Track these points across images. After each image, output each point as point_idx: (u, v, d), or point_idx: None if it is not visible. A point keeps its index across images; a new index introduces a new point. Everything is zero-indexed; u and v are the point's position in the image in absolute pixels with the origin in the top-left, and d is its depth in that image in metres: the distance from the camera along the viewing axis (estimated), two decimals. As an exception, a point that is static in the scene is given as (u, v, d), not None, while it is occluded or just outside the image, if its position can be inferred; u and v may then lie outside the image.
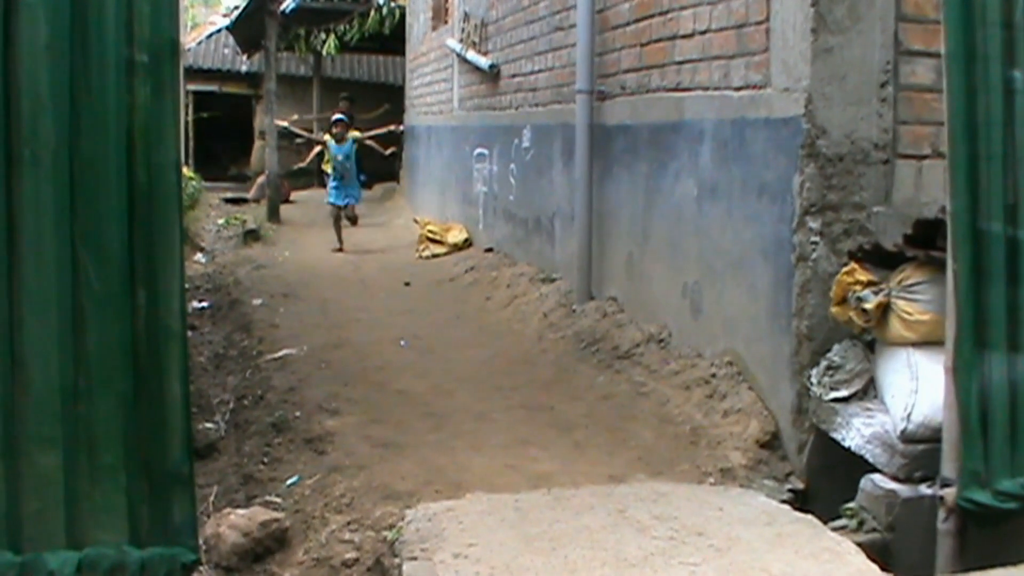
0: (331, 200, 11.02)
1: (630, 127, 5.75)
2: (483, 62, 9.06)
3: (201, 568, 3.13)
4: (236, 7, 17.57)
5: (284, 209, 13.64)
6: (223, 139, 22.25)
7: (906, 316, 3.71)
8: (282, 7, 13.97)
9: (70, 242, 2.63)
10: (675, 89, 5.14)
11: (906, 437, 3.54)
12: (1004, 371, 3.25)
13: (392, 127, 15.00)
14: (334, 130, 11.24)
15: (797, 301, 4.02)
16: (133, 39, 2.66)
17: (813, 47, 3.91)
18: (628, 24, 5.76)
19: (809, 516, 3.45)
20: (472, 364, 5.66)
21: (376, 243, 11.18)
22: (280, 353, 5.73)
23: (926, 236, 3.73)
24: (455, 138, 10.66)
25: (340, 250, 10.67)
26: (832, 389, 3.87)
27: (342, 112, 12.66)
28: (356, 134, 11.79)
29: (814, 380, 3.94)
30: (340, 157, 11.01)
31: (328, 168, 11.81)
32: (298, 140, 15.80)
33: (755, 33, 4.34)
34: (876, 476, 3.59)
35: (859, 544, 3.23)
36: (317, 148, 14.38)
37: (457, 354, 5.75)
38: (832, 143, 3.96)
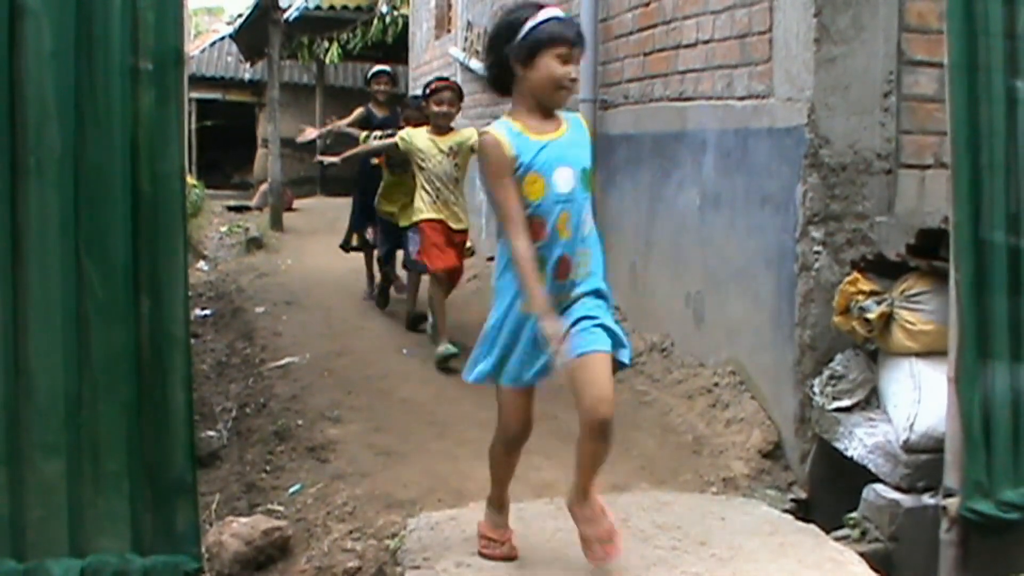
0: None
1: (633, 136, 5.76)
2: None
3: (203, 576, 3.13)
4: (240, 15, 17.64)
5: (287, 217, 13.64)
6: (226, 147, 22.31)
7: (909, 326, 3.71)
8: (285, 15, 14.01)
9: (74, 250, 2.64)
10: (678, 99, 5.14)
11: (909, 447, 3.53)
12: (1007, 381, 3.25)
13: None
14: (561, 80, 2.86)
15: (800, 311, 4.02)
16: (138, 48, 2.67)
17: (816, 57, 3.92)
18: (631, 33, 5.77)
19: (812, 526, 3.45)
20: (475, 372, 5.65)
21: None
22: (283, 361, 5.73)
23: (929, 246, 3.73)
24: (458, 146, 10.61)
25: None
26: (835, 399, 3.86)
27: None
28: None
29: (817, 390, 3.94)
30: (568, 189, 2.92)
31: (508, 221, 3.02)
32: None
33: (758, 43, 4.35)
34: (879, 486, 3.59)
35: (862, 554, 3.23)
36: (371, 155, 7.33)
37: (460, 363, 5.74)
38: (835, 153, 3.96)
